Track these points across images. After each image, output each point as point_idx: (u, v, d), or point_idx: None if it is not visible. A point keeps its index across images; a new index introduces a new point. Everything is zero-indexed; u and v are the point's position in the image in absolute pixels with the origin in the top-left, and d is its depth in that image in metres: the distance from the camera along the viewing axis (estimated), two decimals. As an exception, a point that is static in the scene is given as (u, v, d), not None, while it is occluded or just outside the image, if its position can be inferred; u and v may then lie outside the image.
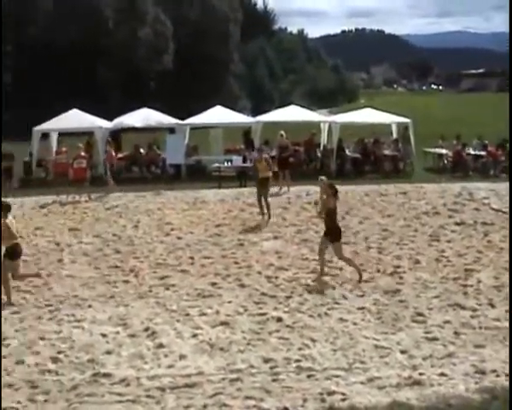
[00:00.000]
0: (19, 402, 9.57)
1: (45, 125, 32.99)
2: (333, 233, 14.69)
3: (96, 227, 20.97)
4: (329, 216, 14.73)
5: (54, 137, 33.89)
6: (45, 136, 33.52)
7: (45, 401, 9.62)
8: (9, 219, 14.07)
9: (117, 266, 16.32)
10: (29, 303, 13.86)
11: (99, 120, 33.35)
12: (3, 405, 9.53)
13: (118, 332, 11.95)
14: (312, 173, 28.68)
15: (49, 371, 10.54)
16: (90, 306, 13.50)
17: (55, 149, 33.21)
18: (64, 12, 67.10)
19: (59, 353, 11.15)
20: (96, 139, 32.05)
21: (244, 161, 29.13)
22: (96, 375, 10.29)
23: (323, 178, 15.79)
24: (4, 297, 13.92)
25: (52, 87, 63.07)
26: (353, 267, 14.95)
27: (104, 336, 11.82)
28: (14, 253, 14.10)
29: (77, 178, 25.98)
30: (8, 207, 14.24)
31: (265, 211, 21.07)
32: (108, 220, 21.85)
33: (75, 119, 32.88)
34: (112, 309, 13.24)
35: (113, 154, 28.93)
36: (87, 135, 33.08)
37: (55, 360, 10.90)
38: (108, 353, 11.10)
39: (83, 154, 26.69)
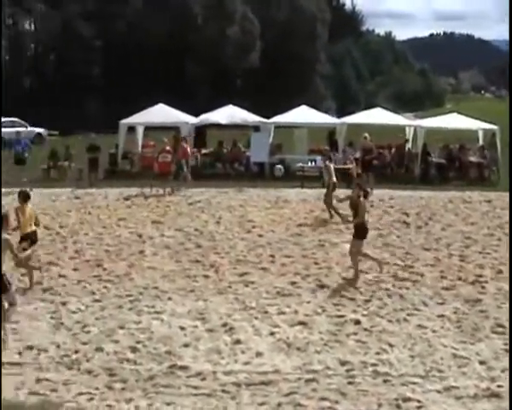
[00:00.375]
0: (97, 388, 9.75)
1: (132, 119, 33.45)
2: (358, 230, 15.04)
3: (178, 221, 21.17)
4: (358, 214, 15.17)
5: (140, 131, 34.36)
6: (132, 129, 34.03)
7: (122, 389, 9.76)
8: (29, 207, 14.86)
9: (198, 261, 16.43)
10: (110, 293, 14.08)
11: (185, 116, 33.63)
12: (82, 390, 9.71)
13: (196, 326, 12.04)
14: (396, 177, 28.44)
15: (128, 360, 10.70)
16: (169, 298, 13.63)
17: (140, 142, 33.68)
18: (153, 8, 68.03)
19: (137, 343, 11.31)
20: (182, 134, 32.33)
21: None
22: (172, 367, 10.39)
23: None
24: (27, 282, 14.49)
25: (140, 82, 63.92)
26: (355, 271, 14.99)
27: (182, 329, 11.93)
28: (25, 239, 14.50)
29: (161, 171, 26.28)
30: (26, 196, 14.91)
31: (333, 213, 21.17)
32: (191, 215, 22.02)
33: (161, 113, 33.23)
34: (191, 303, 13.35)
35: (188, 150, 29.03)
36: (172, 130, 33.40)
37: (133, 349, 11.06)
38: (186, 346, 11.19)
39: (168, 148, 26.97)
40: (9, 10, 69.44)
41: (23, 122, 52.25)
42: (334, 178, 21.78)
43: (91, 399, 9.49)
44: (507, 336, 11.58)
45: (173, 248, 17.77)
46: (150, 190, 26.09)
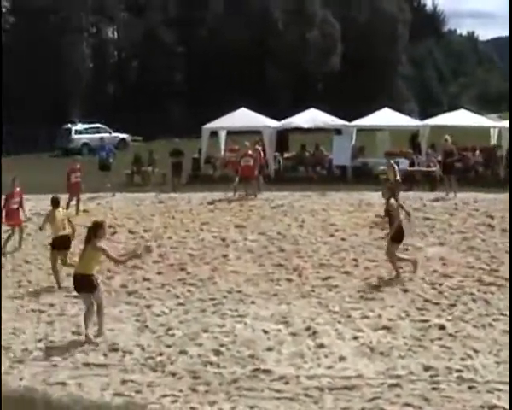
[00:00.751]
0: (180, 391, 9.83)
1: (214, 124, 33.76)
2: (396, 233, 15.12)
3: (261, 225, 21.21)
4: (390, 217, 15.30)
5: (222, 136, 34.64)
6: (214, 134, 34.31)
7: (206, 391, 9.81)
8: (61, 212, 16.25)
9: (281, 265, 16.44)
10: (194, 296, 14.22)
11: (267, 120, 33.76)
12: (166, 392, 9.82)
13: (279, 330, 12.04)
14: (480, 180, 27.99)
15: (211, 363, 10.76)
16: (253, 302, 13.68)
17: (223, 147, 33.93)
18: (234, 13, 68.51)
19: (221, 346, 11.37)
20: (265, 138, 32.47)
21: (411, 164, 28.70)
22: (256, 370, 10.40)
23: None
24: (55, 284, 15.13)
25: (222, 87, 64.43)
26: (394, 269, 15.19)
27: (266, 332, 11.94)
28: (54, 244, 15.77)
29: (244, 175, 26.40)
30: (56, 201, 16.26)
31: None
32: (273, 219, 22.04)
33: (243, 118, 33.45)
34: (274, 307, 13.36)
35: (262, 154, 28.97)
36: (255, 134, 33.54)
37: (217, 352, 11.12)
38: (269, 349, 11.20)
39: (250, 152, 27.06)
40: (92, 19, 71.00)
41: (107, 128, 53.36)
42: (399, 177, 22.01)
43: (175, 401, 9.58)
44: None
45: (256, 251, 17.83)
46: (233, 194, 26.24)
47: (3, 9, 67.36)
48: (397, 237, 15.13)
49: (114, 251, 13.68)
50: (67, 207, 24.48)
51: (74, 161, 25.86)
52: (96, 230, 12.25)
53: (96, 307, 12.18)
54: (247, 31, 67.91)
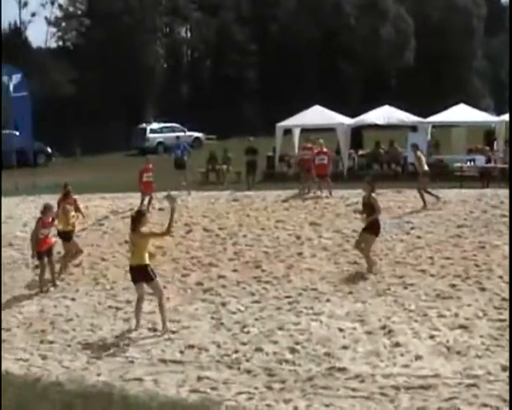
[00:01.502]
0: (256, 388, 9.90)
1: (288, 122, 33.80)
2: (373, 226, 15.72)
3: (335, 223, 21.10)
4: (374, 210, 15.82)
5: (296, 133, 34.63)
6: (288, 131, 34.35)
7: (281, 389, 9.86)
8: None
9: (356, 263, 16.36)
10: (269, 294, 14.28)
11: (340, 117, 33.65)
12: (242, 389, 9.88)
13: (355, 328, 12.01)
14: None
15: (287, 360, 10.81)
16: (328, 300, 13.67)
17: (296, 144, 33.92)
18: (306, 9, 68.42)
19: (296, 344, 11.40)
20: (339, 136, 32.37)
21: (488, 161, 28.27)
22: (331, 369, 10.41)
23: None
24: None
25: (295, 84, 64.44)
26: (369, 262, 15.54)
27: (341, 330, 11.93)
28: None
29: (318, 173, 26.36)
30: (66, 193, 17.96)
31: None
32: (348, 216, 21.88)
33: (317, 115, 33.37)
34: (350, 305, 13.33)
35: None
36: (328, 131, 33.45)
37: (292, 350, 11.16)
38: (345, 348, 11.19)
39: (325, 150, 26.98)
40: (166, 19, 71.73)
41: (182, 127, 53.83)
42: (426, 167, 22.76)
43: (251, 398, 9.64)
44: None
45: (331, 249, 17.79)
46: (308, 192, 26.23)
47: (78, 12, 68.80)
48: (376, 230, 15.57)
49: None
50: (141, 206, 24.88)
51: (147, 161, 26.11)
52: (139, 219, 12.91)
53: (156, 300, 12.78)
54: (319, 27, 67.77)
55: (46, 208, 16.17)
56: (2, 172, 32.05)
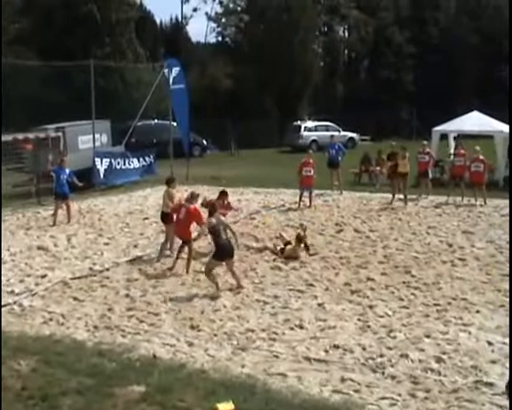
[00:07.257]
0: (399, 395, 9.74)
1: (445, 127, 33.24)
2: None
3: (489, 233, 20.59)
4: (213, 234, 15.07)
5: (451, 139, 34.06)
6: (444, 136, 33.79)
7: (425, 398, 9.66)
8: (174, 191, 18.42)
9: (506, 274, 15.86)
10: (418, 300, 14.05)
11: (500, 124, 32.77)
12: (385, 394, 9.74)
13: (505, 343, 11.63)
14: None
15: (432, 369, 10.58)
16: (478, 311, 13.30)
17: (452, 150, 33.29)
18: (466, 14, 67.00)
19: (443, 353, 11.15)
20: (496, 143, 31.54)
21: None
22: (478, 382, 10.11)
23: None
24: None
25: (453, 88, 63.33)
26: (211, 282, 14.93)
27: (490, 344, 11.58)
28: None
29: (473, 181, 25.82)
30: (172, 180, 18.69)
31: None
32: (503, 227, 21.26)
33: (474, 121, 32.66)
34: (500, 318, 12.91)
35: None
36: (486, 138, 32.64)
37: (438, 359, 10.92)
38: (493, 362, 10.84)
39: (481, 157, 26.31)
40: (325, 18, 71.85)
41: (336, 126, 53.86)
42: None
43: (393, 404, 9.51)
44: None
45: (483, 260, 17.30)
46: (461, 200, 25.72)
47: (238, 8, 69.91)
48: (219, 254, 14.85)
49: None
50: (300, 201, 25.13)
51: (308, 156, 26.33)
52: (214, 207, 15.31)
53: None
54: (480, 30, 66.18)
55: (192, 196, 16.68)
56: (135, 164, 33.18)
